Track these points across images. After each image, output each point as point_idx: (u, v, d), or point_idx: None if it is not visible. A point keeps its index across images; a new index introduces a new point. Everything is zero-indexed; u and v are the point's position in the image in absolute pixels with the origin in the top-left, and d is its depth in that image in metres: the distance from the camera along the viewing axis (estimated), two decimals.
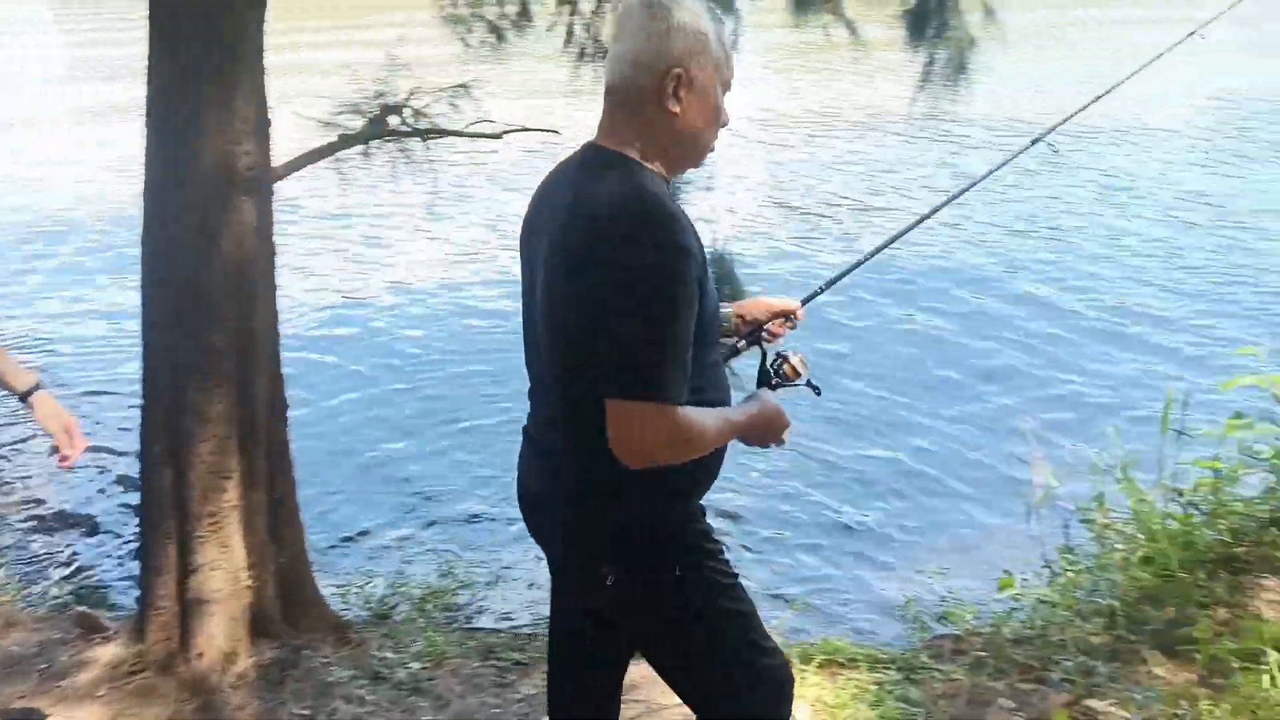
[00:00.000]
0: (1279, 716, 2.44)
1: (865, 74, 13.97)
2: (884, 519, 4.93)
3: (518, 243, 1.85)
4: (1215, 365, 6.07)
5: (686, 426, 1.63)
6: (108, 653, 3.17)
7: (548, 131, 5.74)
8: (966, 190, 2.75)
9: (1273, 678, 2.52)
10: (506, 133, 4.09)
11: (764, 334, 2.09)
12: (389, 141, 3.68)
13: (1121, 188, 10.57)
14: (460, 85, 3.93)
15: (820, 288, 2.23)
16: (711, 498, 1.88)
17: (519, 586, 4.34)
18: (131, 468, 5.09)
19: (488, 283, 8.11)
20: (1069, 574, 3.55)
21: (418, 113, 3.77)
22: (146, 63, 2.86)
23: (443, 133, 3.89)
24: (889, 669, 3.13)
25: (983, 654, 3.18)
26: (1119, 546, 3.48)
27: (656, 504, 1.74)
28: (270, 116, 3.04)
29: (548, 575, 1.98)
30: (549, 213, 1.73)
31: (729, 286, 3.45)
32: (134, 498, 4.83)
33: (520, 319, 1.83)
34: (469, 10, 4.15)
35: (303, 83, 8.78)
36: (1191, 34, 3.13)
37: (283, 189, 3.17)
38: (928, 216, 2.49)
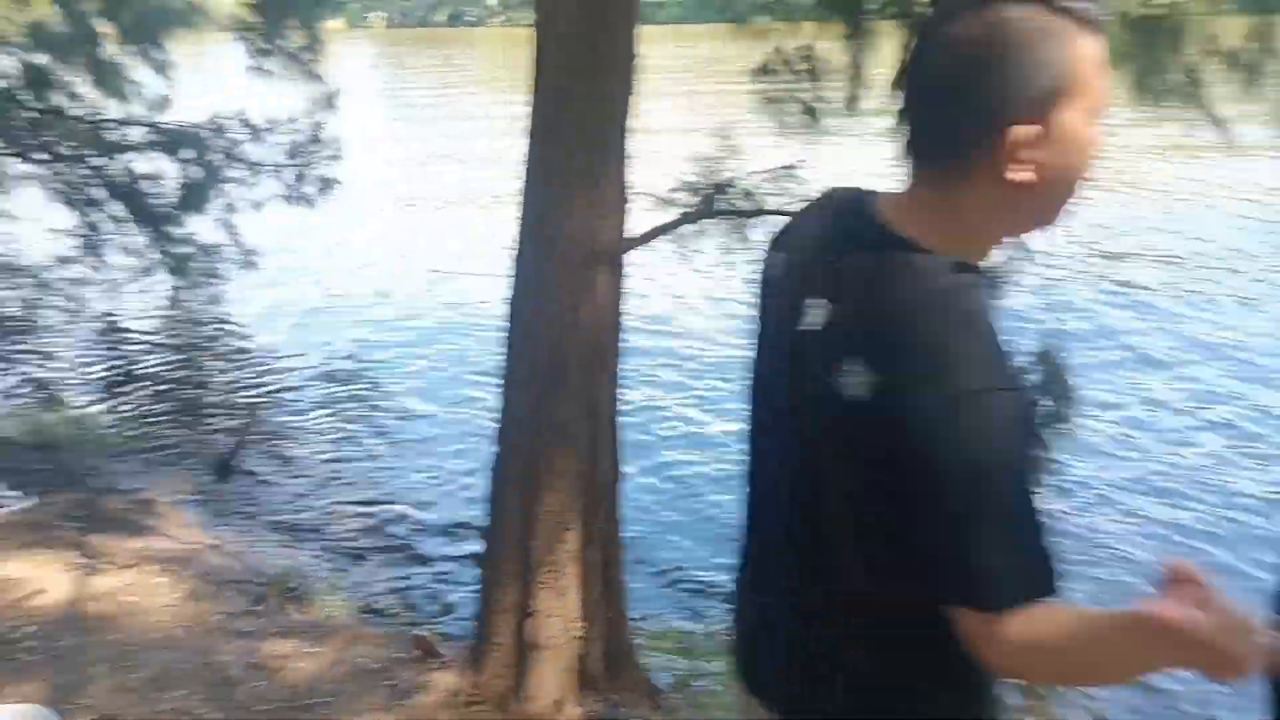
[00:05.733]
0: None
1: None
2: None
3: None
4: None
5: None
6: (446, 679, 3.47)
7: None
8: None
9: None
10: None
11: None
12: (720, 220, 3.88)
13: None
14: (785, 166, 4.08)
15: None
16: None
17: None
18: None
19: None
20: None
21: (746, 193, 3.96)
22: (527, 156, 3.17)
23: (764, 213, 4.05)
24: None
25: None
26: None
27: None
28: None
29: None
30: None
31: None
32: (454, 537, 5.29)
33: None
34: (786, 92, 4.33)
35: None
36: None
37: None
38: None
